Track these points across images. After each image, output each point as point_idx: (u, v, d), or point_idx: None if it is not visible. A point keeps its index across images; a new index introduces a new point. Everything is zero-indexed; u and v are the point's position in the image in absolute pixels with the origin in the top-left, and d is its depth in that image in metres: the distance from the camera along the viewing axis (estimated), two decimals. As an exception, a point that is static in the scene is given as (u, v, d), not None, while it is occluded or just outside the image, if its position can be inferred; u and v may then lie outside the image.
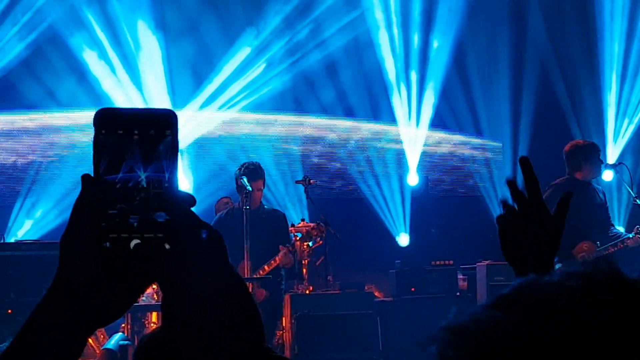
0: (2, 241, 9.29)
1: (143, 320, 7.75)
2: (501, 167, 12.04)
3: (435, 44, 11.55)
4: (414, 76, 11.64)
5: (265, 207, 8.14)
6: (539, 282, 0.85)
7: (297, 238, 8.37)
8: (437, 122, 11.83)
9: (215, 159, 11.27)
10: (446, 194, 12.11)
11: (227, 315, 0.98)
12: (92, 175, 0.99)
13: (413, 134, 11.70)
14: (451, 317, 0.85)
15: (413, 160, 11.74)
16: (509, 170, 11.77)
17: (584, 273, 0.84)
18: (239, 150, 11.22)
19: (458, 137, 12.13)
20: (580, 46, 11.60)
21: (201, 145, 11.23)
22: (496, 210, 11.65)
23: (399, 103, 11.63)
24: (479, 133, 12.02)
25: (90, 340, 7.53)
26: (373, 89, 11.60)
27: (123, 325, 7.62)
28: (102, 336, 7.44)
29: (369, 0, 11.39)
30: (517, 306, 0.82)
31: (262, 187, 7.92)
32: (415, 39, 11.58)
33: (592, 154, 7.47)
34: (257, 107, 11.39)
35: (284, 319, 8.18)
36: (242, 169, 7.89)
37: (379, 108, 11.69)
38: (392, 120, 11.67)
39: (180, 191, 1.00)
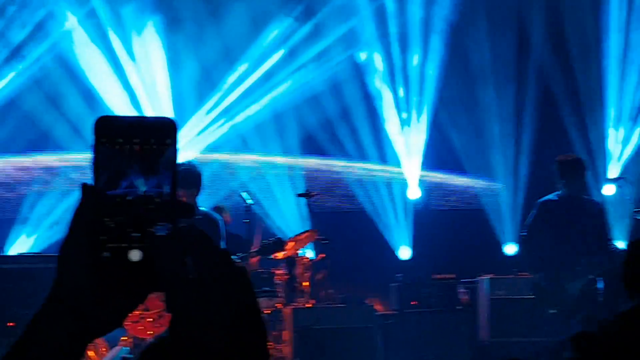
0: (3, 254, 9.28)
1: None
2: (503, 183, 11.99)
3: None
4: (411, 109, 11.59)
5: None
6: None
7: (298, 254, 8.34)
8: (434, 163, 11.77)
9: (213, 172, 11.08)
10: (447, 207, 12.06)
11: (230, 324, 0.97)
12: (91, 184, 0.98)
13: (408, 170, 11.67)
14: (584, 325, 0.84)
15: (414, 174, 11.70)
16: (510, 187, 11.75)
17: None
18: (238, 165, 11.21)
19: (457, 180, 12.03)
20: (582, 62, 11.60)
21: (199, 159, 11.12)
22: (498, 224, 11.61)
23: (396, 136, 11.57)
24: (483, 171, 11.90)
25: (91, 352, 7.50)
26: (371, 119, 11.53)
27: (123, 338, 7.59)
28: (103, 348, 7.40)
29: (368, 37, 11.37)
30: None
31: (194, 194, 6.83)
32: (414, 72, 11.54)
33: (576, 167, 7.44)
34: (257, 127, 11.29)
35: (285, 332, 8.16)
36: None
37: (381, 145, 11.60)
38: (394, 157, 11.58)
39: (179, 202, 0.99)
